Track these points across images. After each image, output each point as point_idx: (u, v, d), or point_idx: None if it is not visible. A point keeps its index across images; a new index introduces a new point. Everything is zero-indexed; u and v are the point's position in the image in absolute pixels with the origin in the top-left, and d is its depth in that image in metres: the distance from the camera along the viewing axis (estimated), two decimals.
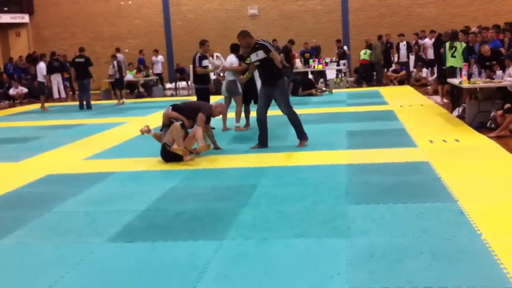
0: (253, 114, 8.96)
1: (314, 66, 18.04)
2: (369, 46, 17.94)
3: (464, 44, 10.70)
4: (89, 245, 4.25)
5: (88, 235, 4.48)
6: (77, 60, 15.41)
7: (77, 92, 20.11)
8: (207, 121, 7.79)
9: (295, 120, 7.77)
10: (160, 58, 20.56)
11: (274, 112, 8.87)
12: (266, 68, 7.62)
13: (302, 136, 7.81)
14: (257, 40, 7.69)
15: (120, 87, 16.69)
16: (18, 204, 5.59)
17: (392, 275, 3.37)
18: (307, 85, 15.98)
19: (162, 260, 3.87)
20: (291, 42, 17.80)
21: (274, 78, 7.61)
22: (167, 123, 7.36)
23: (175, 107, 7.59)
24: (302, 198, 5.21)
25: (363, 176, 5.98)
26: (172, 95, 19.11)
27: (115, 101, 16.57)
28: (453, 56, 10.76)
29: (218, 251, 3.98)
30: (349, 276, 3.41)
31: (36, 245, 4.33)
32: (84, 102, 15.18)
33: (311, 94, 15.50)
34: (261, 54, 7.53)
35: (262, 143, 7.82)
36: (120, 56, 18.15)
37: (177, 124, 7.15)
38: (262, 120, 7.76)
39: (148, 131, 7.67)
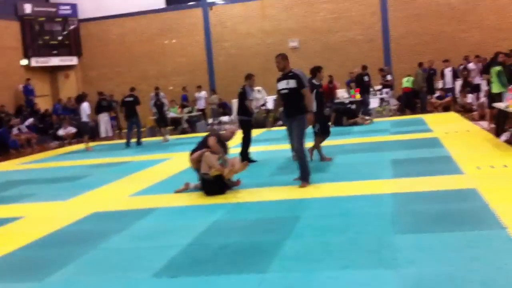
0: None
1: (355, 96, 17.94)
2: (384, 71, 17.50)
3: (497, 68, 10.46)
4: (135, 280, 4.28)
5: (134, 271, 4.52)
6: (126, 99, 15.99)
7: (123, 130, 20.69)
8: (222, 146, 7.63)
9: (302, 158, 7.32)
10: (203, 94, 20.92)
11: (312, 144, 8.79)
12: (292, 99, 7.33)
13: (305, 177, 7.33)
14: (292, 69, 7.41)
15: (163, 125, 17.02)
16: (66, 242, 5.71)
17: None
18: (350, 114, 15.89)
19: None
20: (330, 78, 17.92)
21: (297, 111, 7.31)
22: (197, 168, 7.46)
23: (193, 151, 7.66)
24: (347, 229, 5.13)
25: (409, 205, 5.85)
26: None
27: (160, 138, 16.86)
28: (493, 81, 10.57)
29: (262, 284, 3.94)
30: None
31: (83, 281, 4.40)
32: (133, 139, 15.60)
33: (355, 123, 15.38)
34: (292, 84, 7.27)
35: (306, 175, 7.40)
36: (160, 94, 18.51)
37: (207, 152, 7.25)
38: (302, 151, 7.40)
39: (186, 188, 7.74)
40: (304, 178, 7.30)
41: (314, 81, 9.20)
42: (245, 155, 9.62)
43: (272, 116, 8.29)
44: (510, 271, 3.73)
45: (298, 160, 7.39)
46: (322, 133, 9.38)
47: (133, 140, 15.58)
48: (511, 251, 4.12)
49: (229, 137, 7.85)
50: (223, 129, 8.36)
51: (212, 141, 7.47)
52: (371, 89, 17.91)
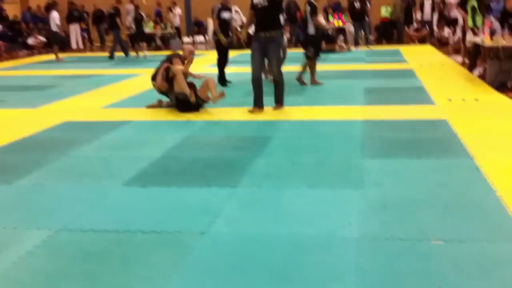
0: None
1: (333, 23, 17.72)
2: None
3: (473, 2, 10.39)
4: (104, 188, 4.31)
5: (104, 179, 4.54)
6: (110, 11, 16.03)
7: (95, 44, 20.20)
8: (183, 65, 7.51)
9: (281, 83, 7.08)
10: (178, 11, 20.34)
11: (287, 68, 8.76)
12: (272, 13, 6.86)
13: (281, 99, 7.16)
14: None
15: (140, 40, 16.61)
16: (35, 148, 5.67)
17: (404, 226, 3.38)
18: (328, 39, 15.77)
19: (176, 204, 3.92)
20: None
21: (275, 26, 6.92)
22: (164, 91, 7.46)
23: (153, 76, 7.62)
24: (317, 151, 5.20)
25: (379, 131, 5.94)
26: None
27: (133, 53, 16.48)
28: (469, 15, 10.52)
29: (231, 198, 4.01)
30: (360, 225, 3.42)
31: (51, 186, 4.41)
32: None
33: (333, 50, 15.30)
34: None
35: (259, 104, 7.07)
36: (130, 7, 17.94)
37: (175, 69, 7.19)
38: (259, 78, 7.02)
39: (159, 105, 7.69)
40: (281, 101, 7.19)
41: (313, 1, 8.98)
42: (220, 77, 9.54)
43: (245, 32, 7.88)
44: (473, 197, 3.87)
45: (277, 84, 7.09)
46: (315, 56, 9.24)
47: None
48: (475, 179, 4.25)
49: (187, 57, 7.59)
50: (182, 48, 8.05)
51: (176, 61, 7.39)
52: (366, 18, 17.55)
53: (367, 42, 16.41)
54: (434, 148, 5.17)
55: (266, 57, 7.05)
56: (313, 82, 9.35)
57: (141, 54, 16.08)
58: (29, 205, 4.01)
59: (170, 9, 19.98)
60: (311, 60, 9.27)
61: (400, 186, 4.15)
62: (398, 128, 6.03)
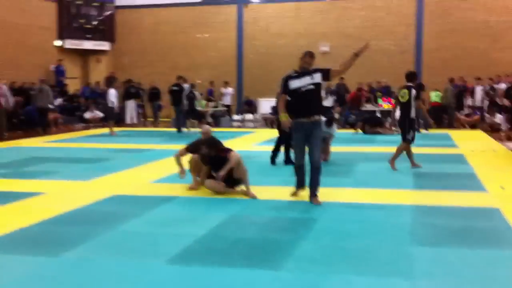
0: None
1: (383, 105, 17.82)
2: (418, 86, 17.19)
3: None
4: (149, 265, 4.30)
5: (149, 256, 4.55)
6: (172, 88, 16.78)
7: (149, 119, 20.90)
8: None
9: (319, 174, 6.49)
10: (230, 90, 20.97)
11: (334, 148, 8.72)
12: (315, 97, 6.49)
13: (317, 191, 6.55)
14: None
15: (191, 117, 17.13)
16: (84, 221, 5.77)
17: None
18: (373, 122, 15.82)
19: (218, 285, 3.87)
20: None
21: (320, 111, 6.62)
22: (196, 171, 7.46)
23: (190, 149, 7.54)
24: (364, 236, 5.09)
25: (429, 218, 5.78)
26: (238, 126, 19.35)
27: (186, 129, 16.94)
28: None
29: (275, 282, 3.93)
30: None
31: (98, 261, 4.44)
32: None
33: (378, 132, 15.30)
34: (317, 78, 6.42)
35: (302, 186, 6.78)
36: (186, 86, 18.64)
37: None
38: (302, 165, 6.68)
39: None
40: (317, 193, 6.55)
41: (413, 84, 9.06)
42: (286, 157, 9.54)
43: (286, 117, 6.60)
44: None
45: (316, 173, 6.46)
46: (412, 140, 9.10)
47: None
48: None
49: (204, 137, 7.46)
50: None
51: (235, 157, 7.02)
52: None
53: (426, 126, 16.27)
54: (487, 238, 4.98)
55: (308, 142, 6.47)
56: (414, 165, 9.13)
57: (192, 129, 16.53)
58: (72, 280, 4.03)
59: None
60: (408, 144, 9.10)
61: (451, 278, 3.98)
62: (449, 215, 5.86)
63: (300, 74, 6.48)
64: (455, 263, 4.30)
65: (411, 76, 9.15)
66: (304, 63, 6.46)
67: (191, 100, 17.17)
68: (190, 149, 7.46)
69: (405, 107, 8.94)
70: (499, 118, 16.19)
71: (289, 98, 6.52)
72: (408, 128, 8.99)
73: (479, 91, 17.51)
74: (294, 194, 6.81)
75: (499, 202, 6.46)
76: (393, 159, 9.10)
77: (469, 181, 7.86)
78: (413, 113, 8.94)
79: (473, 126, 17.11)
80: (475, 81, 17.72)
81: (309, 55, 6.49)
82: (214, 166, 7.10)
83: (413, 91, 8.89)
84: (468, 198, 6.70)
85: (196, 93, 17.89)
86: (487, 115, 17.40)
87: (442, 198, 6.70)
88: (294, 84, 6.44)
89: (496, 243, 4.85)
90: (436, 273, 4.06)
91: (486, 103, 17.62)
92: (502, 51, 20.45)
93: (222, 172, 6.88)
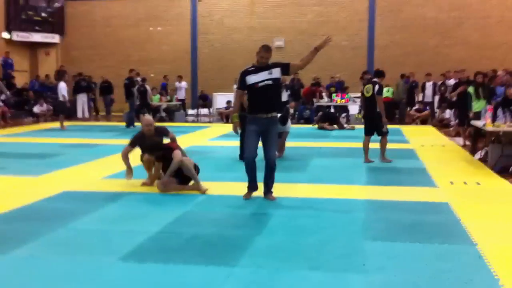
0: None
1: (336, 101, 18.04)
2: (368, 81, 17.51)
3: (470, 89, 10.77)
4: (101, 263, 4.22)
5: (101, 253, 4.45)
6: (124, 81, 16.47)
7: (100, 113, 20.49)
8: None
9: (274, 171, 6.40)
10: (184, 84, 20.78)
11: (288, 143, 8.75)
12: (274, 93, 6.36)
13: (271, 192, 6.50)
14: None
15: (143, 112, 16.87)
16: (34, 218, 5.61)
17: None
18: (329, 119, 16.02)
19: (173, 282, 3.83)
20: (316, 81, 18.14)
21: (277, 107, 6.43)
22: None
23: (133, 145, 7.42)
24: (318, 231, 5.13)
25: (381, 212, 5.88)
26: (193, 121, 19.23)
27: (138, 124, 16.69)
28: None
29: (230, 278, 3.91)
30: None
31: (47, 259, 4.32)
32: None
33: (333, 129, 15.51)
34: (276, 73, 6.25)
35: (253, 187, 6.56)
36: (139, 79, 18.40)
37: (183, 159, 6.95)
38: (253, 162, 6.40)
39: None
40: (271, 190, 6.51)
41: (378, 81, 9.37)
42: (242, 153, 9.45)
43: (236, 118, 6.59)
44: (476, 285, 3.77)
45: (271, 171, 6.37)
46: (386, 133, 9.41)
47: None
48: (478, 267, 4.16)
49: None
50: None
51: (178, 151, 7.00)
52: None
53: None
54: (437, 233, 5.09)
55: (263, 139, 6.31)
56: (384, 159, 9.39)
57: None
58: (22, 278, 3.92)
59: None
60: (385, 137, 9.40)
61: (402, 272, 4.05)
62: (400, 210, 5.97)
63: (257, 68, 6.29)
64: (406, 257, 4.38)
65: (379, 73, 9.63)
66: (261, 58, 6.27)
67: (143, 94, 16.95)
68: (134, 143, 7.34)
69: (371, 101, 9.24)
70: (448, 113, 16.64)
71: (246, 94, 6.42)
72: (377, 122, 9.28)
73: (429, 86, 17.93)
74: (247, 196, 6.50)
75: (448, 196, 6.63)
76: (382, 154, 9.43)
77: (420, 176, 8.04)
78: (377, 108, 9.20)
79: (423, 121, 17.52)
80: (426, 77, 18.13)
81: (265, 49, 6.27)
82: (164, 160, 7.03)
83: (377, 87, 9.20)
84: (419, 193, 6.85)
85: (148, 87, 17.65)
86: (437, 110, 17.85)
87: (394, 193, 6.82)
88: (251, 79, 6.25)
89: (446, 237, 4.97)
90: (388, 267, 4.13)
91: (437, 98, 18.06)
92: (452, 47, 21.05)
93: (166, 178, 6.86)
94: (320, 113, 16.74)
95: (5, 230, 5.15)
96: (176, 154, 6.88)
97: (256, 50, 6.34)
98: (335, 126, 15.74)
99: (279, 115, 6.96)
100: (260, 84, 6.21)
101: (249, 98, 6.39)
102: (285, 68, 6.35)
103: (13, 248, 4.53)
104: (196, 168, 7.10)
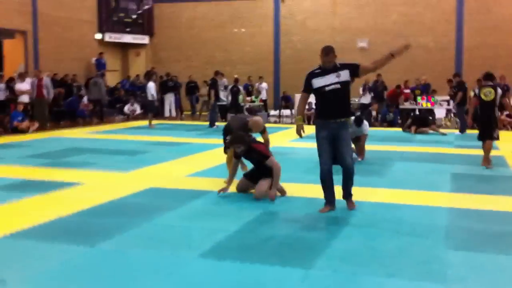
0: None
1: (421, 104, 17.54)
2: (458, 84, 16.71)
3: None
4: (181, 258, 4.38)
5: (182, 249, 4.62)
6: (208, 81, 17.01)
7: (185, 113, 21.10)
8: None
9: (352, 178, 6.03)
10: (265, 85, 20.99)
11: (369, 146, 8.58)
12: (344, 96, 5.89)
13: (351, 195, 6.16)
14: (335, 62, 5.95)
15: (234, 111, 17.21)
16: (121, 212, 5.91)
17: None
18: (422, 123, 15.49)
19: (249, 281, 3.91)
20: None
21: (348, 111, 6.04)
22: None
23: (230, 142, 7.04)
24: (397, 237, 5.04)
25: (465, 221, 5.69)
26: (275, 122, 19.36)
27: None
28: None
29: (305, 280, 3.94)
30: None
31: (132, 252, 4.54)
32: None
33: (426, 132, 15.01)
34: (345, 75, 5.83)
35: (331, 202, 6.09)
36: (224, 80, 18.82)
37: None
38: (330, 173, 5.99)
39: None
40: (351, 198, 6.16)
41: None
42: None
43: (301, 120, 6.16)
44: None
45: (350, 175, 6.00)
46: (497, 137, 9.36)
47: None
48: None
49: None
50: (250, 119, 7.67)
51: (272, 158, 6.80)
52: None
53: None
54: None
55: (336, 145, 5.89)
56: (486, 165, 9.22)
57: None
58: (107, 270, 4.14)
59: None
60: (491, 142, 9.30)
61: (485, 284, 3.92)
62: (486, 219, 5.75)
63: (324, 71, 5.87)
64: (489, 269, 4.22)
65: (491, 76, 9.50)
66: (324, 63, 5.87)
67: (235, 95, 17.26)
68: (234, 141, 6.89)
69: (490, 106, 9.15)
70: None
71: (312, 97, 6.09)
72: (494, 126, 9.23)
73: None
74: (323, 210, 6.03)
75: None
76: (485, 159, 9.26)
77: (509, 185, 7.69)
78: (497, 112, 9.25)
79: None
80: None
81: (325, 53, 5.85)
82: (250, 160, 6.97)
83: (499, 90, 9.16)
84: (507, 202, 6.55)
85: (240, 87, 17.98)
86: None
87: (479, 202, 6.57)
88: (318, 82, 5.87)
89: None
90: (470, 279, 4.00)
91: None
92: None
93: (273, 192, 6.51)
94: (411, 116, 16.32)
95: (93, 223, 5.46)
96: (275, 163, 6.65)
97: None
98: (427, 129, 15.19)
99: (352, 118, 6.79)
100: (327, 88, 5.82)
101: (317, 103, 6.06)
102: (355, 69, 5.91)
103: (99, 241, 4.80)
104: None
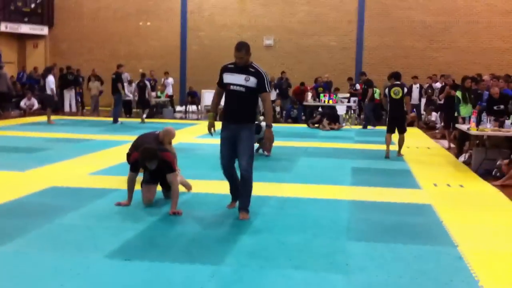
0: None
1: (324, 101, 18.12)
2: (367, 82, 17.63)
3: (458, 93, 11.01)
4: (87, 259, 4.25)
5: (87, 250, 4.49)
6: (112, 76, 16.30)
7: (87, 108, 20.40)
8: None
9: (249, 182, 5.65)
10: (171, 80, 20.77)
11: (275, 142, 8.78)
12: (246, 101, 5.61)
13: (246, 204, 5.70)
14: (252, 63, 5.63)
15: (141, 107, 16.84)
16: (20, 213, 5.62)
17: None
18: (333, 118, 16.06)
19: (158, 280, 3.88)
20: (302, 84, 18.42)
21: (249, 117, 5.67)
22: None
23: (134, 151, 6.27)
24: (303, 230, 5.21)
25: (365, 213, 5.98)
26: (181, 118, 19.23)
27: (125, 119, 16.69)
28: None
29: (214, 276, 3.98)
30: None
31: (34, 255, 4.35)
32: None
33: (332, 129, 15.56)
34: (252, 82, 5.53)
35: (237, 197, 5.94)
36: (126, 74, 18.39)
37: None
38: (230, 172, 5.84)
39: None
40: (247, 207, 5.70)
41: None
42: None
43: (212, 116, 5.92)
44: (456, 286, 3.87)
45: (245, 182, 5.65)
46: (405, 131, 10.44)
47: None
48: (458, 268, 4.27)
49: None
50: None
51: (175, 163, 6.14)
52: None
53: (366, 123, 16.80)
54: (419, 234, 5.20)
55: (236, 147, 5.63)
56: (400, 155, 10.39)
57: (146, 121, 16.33)
58: (9, 274, 3.94)
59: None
60: (404, 134, 10.41)
61: (384, 272, 4.14)
62: (384, 211, 6.07)
63: (236, 68, 5.61)
64: (388, 258, 4.47)
65: (399, 76, 10.55)
66: (237, 59, 5.56)
67: (142, 90, 16.88)
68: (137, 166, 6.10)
69: (399, 103, 10.18)
70: (434, 116, 16.81)
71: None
72: (403, 121, 10.40)
73: (416, 89, 18.08)
74: (230, 206, 6.03)
75: (432, 198, 6.75)
76: (399, 151, 10.44)
77: (404, 178, 8.16)
78: (405, 108, 10.35)
79: (409, 123, 17.65)
80: (412, 79, 18.29)
81: (237, 48, 5.54)
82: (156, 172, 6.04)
83: (405, 89, 10.28)
84: (403, 194, 6.96)
85: (147, 82, 17.62)
86: (423, 113, 18.01)
87: (377, 194, 6.92)
88: (226, 78, 5.65)
89: (428, 238, 5.07)
90: (370, 268, 4.22)
91: (423, 101, 18.22)
92: (439, 51, 21.23)
93: (175, 210, 5.75)
94: (318, 112, 16.85)
95: None
96: (177, 181, 5.99)
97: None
98: (336, 125, 15.79)
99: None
100: (232, 87, 5.60)
101: (225, 100, 5.81)
102: (260, 89, 5.57)
103: (0, 244, 4.55)
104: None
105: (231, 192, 6.07)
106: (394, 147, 10.37)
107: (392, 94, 10.21)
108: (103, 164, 8.65)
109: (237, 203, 5.86)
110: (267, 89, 5.58)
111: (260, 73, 5.56)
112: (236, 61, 5.61)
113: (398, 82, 10.33)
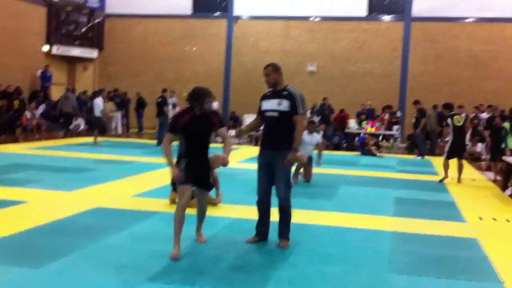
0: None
1: (366, 129, 18.01)
2: (420, 111, 17.47)
3: (506, 124, 10.77)
4: (129, 281, 4.32)
5: (130, 271, 4.56)
6: (157, 100, 16.46)
7: (131, 130, 20.82)
8: None
9: (288, 212, 5.58)
10: (216, 104, 21.00)
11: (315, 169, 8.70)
12: (281, 126, 5.47)
13: (286, 233, 5.62)
14: (287, 86, 5.55)
15: None
16: (66, 233, 5.76)
17: None
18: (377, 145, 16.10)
19: None
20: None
21: (285, 143, 5.43)
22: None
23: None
24: (344, 260, 5.15)
25: (408, 245, 5.87)
26: (222, 142, 19.33)
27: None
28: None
29: None
30: None
31: (77, 275, 4.44)
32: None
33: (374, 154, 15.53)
34: (285, 106, 5.42)
35: (262, 234, 5.74)
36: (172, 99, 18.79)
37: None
38: (264, 202, 5.66)
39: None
40: (287, 236, 5.61)
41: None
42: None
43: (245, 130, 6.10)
44: None
45: (283, 211, 5.57)
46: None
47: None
48: None
49: None
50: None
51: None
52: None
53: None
54: (464, 269, 5.08)
55: (274, 174, 5.53)
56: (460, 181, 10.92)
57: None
58: None
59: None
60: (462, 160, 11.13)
61: None
62: (427, 244, 5.95)
63: (273, 93, 5.55)
64: None
65: (451, 106, 11.46)
66: (264, 76, 5.58)
67: None
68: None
69: (462, 130, 11.08)
70: (480, 147, 16.45)
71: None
72: (464, 147, 11.34)
73: None
74: (250, 240, 5.72)
75: (477, 232, 6.58)
76: (459, 177, 10.95)
77: (448, 210, 7.99)
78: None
79: None
80: (458, 109, 17.95)
81: (265, 66, 5.57)
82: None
83: (465, 116, 11.16)
84: (447, 227, 6.81)
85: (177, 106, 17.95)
86: (468, 143, 17.65)
87: (421, 226, 6.80)
88: (263, 105, 5.61)
89: (473, 273, 4.95)
90: None
91: (469, 131, 17.86)
92: (485, 80, 20.85)
93: (227, 154, 5.52)
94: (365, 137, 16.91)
95: (38, 244, 5.31)
96: (228, 134, 5.72)
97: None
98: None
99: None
100: (266, 114, 5.54)
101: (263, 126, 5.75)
102: (293, 111, 5.44)
103: (44, 263, 4.67)
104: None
105: (257, 225, 5.76)
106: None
107: (455, 122, 10.95)
108: (146, 186, 8.79)
109: (256, 238, 5.68)
110: (299, 111, 5.41)
111: (293, 96, 5.44)
112: (264, 79, 5.58)
113: (456, 112, 11.28)
